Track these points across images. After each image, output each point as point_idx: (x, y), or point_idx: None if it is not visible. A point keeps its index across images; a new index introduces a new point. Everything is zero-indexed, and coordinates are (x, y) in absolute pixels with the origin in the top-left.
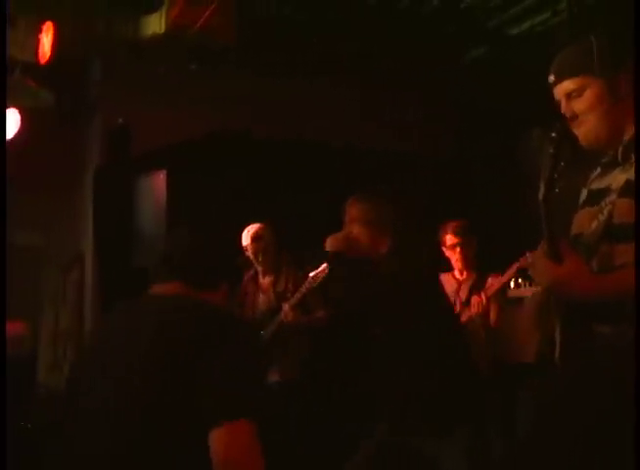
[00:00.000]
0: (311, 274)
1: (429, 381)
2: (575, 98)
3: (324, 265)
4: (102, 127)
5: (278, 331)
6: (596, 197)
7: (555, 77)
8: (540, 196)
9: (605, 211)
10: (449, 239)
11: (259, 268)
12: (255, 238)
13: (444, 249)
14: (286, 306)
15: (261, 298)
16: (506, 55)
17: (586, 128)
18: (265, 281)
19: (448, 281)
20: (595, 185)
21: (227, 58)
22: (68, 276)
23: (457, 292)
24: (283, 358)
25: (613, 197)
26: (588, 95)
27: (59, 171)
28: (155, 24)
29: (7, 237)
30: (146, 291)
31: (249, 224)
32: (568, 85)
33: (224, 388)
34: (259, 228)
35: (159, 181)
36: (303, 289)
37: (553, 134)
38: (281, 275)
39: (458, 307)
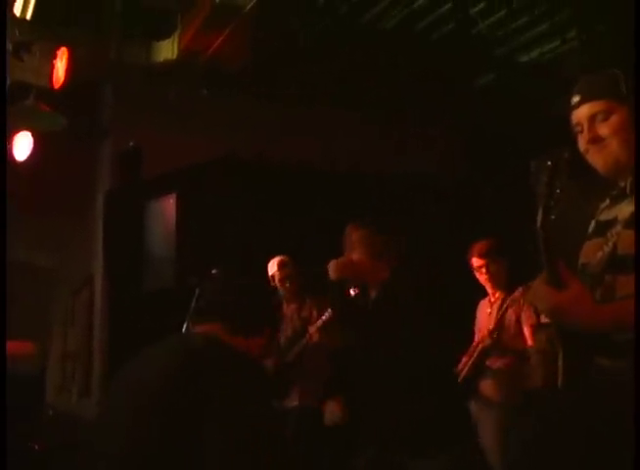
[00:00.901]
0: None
1: (416, 405)
2: (601, 121)
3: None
4: (113, 151)
5: (302, 353)
6: (603, 228)
7: (581, 98)
8: (538, 223)
9: (610, 243)
10: (475, 261)
11: (285, 296)
12: (281, 265)
13: (474, 271)
14: (312, 328)
15: (286, 325)
16: (515, 82)
17: (607, 152)
18: (290, 308)
19: (484, 306)
20: (603, 216)
21: (239, 83)
22: (78, 298)
23: (490, 314)
24: (303, 383)
25: (618, 228)
26: (615, 120)
27: (70, 194)
28: (167, 50)
29: (7, 254)
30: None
31: (269, 255)
32: (594, 107)
33: (231, 442)
34: (283, 257)
35: (168, 205)
36: (328, 315)
37: (548, 162)
38: (305, 303)
39: (491, 330)
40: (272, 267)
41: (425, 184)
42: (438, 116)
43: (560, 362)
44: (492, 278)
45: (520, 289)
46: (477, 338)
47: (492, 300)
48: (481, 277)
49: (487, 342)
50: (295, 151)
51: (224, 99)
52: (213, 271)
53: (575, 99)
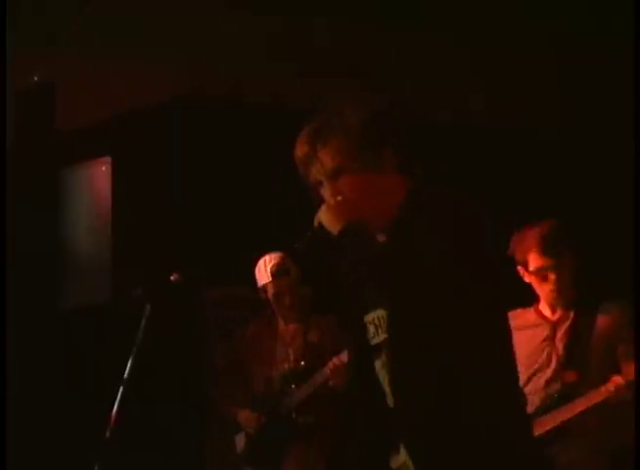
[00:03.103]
0: None
1: None
2: None
3: None
4: (8, 92)
5: (310, 400)
6: None
7: None
8: None
9: None
10: (534, 259)
11: (280, 313)
12: (279, 272)
13: (525, 273)
14: (336, 360)
15: (283, 352)
16: None
17: None
18: (290, 328)
19: (531, 321)
20: None
21: None
22: None
23: (551, 340)
24: (305, 450)
25: None
26: None
27: None
28: None
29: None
30: None
31: (261, 254)
32: None
33: None
34: (282, 259)
35: (99, 173)
36: None
37: None
38: (311, 323)
39: (553, 366)
40: (264, 275)
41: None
42: None
43: None
44: (562, 286)
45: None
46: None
47: (552, 318)
48: (546, 286)
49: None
50: (291, 84)
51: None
52: (173, 277)
53: None
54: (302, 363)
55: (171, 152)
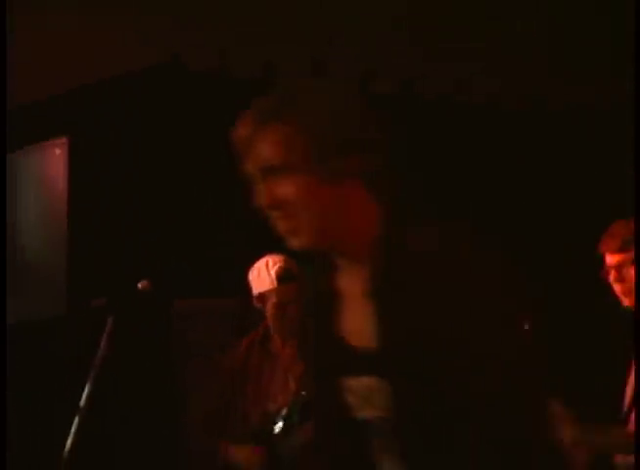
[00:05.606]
0: None
1: None
2: None
3: None
4: None
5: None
6: None
7: None
8: None
9: None
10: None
11: (278, 329)
12: (286, 277)
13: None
14: None
15: (280, 379)
16: None
17: None
18: (288, 349)
19: None
20: None
21: None
22: None
23: None
24: None
25: None
26: None
27: None
28: None
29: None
30: None
31: (257, 256)
32: None
33: None
34: (287, 262)
35: (53, 158)
36: None
37: None
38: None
39: None
40: (265, 279)
41: None
42: None
43: None
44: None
45: None
46: None
47: None
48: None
49: None
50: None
51: None
52: (141, 284)
53: None
54: (304, 393)
55: (142, 132)
